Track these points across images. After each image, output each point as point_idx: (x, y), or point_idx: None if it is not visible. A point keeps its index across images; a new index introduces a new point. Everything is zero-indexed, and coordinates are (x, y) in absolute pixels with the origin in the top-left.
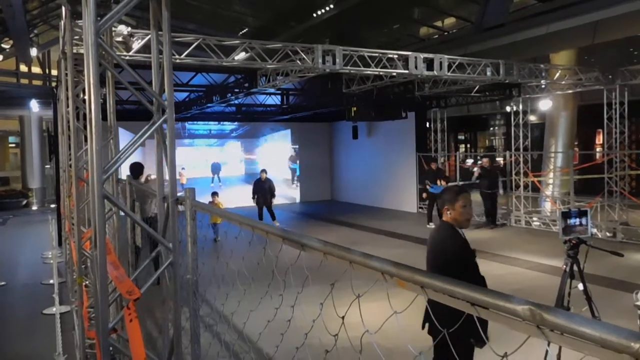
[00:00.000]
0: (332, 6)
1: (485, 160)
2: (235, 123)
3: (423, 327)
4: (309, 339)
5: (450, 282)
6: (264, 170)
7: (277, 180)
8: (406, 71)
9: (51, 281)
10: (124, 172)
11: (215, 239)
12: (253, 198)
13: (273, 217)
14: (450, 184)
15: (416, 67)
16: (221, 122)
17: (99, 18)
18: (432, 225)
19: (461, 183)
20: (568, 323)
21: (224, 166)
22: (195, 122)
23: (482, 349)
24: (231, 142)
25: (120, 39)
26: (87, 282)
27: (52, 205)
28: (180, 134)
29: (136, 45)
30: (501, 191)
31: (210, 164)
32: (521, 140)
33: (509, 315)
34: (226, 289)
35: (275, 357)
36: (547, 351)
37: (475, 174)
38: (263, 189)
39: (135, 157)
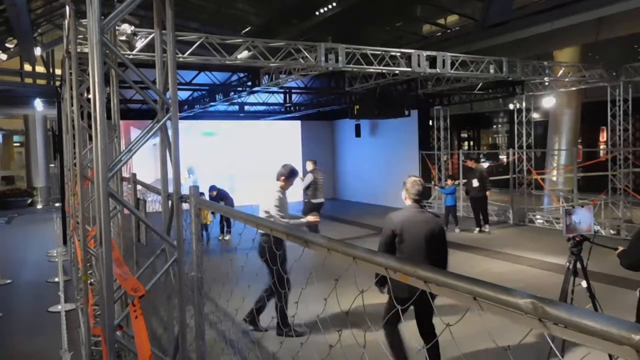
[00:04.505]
0: (334, 4)
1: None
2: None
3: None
4: (313, 335)
5: (453, 277)
6: (212, 188)
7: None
8: (409, 69)
9: (56, 279)
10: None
11: (206, 240)
12: (213, 213)
13: (227, 228)
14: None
15: (419, 65)
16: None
17: (103, 17)
18: (476, 231)
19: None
20: (569, 316)
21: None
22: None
23: (487, 343)
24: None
25: (123, 37)
26: (92, 280)
27: (57, 204)
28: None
29: (139, 44)
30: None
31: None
32: (524, 138)
33: (512, 309)
34: (230, 286)
35: (280, 353)
36: (551, 347)
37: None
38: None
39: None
